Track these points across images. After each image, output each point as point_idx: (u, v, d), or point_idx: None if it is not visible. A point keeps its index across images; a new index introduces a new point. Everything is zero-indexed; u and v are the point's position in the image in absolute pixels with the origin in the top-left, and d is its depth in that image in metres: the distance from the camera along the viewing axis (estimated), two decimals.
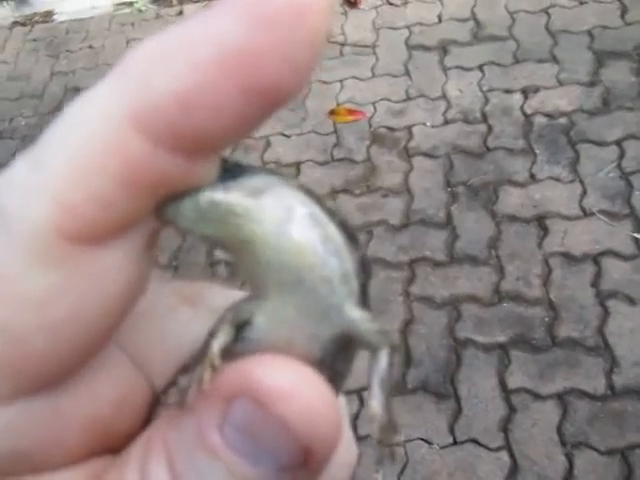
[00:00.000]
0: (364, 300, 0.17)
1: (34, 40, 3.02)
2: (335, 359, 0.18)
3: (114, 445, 0.19)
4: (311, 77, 0.15)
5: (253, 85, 0.14)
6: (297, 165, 2.14)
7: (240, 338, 0.18)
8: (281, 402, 0.15)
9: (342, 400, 0.22)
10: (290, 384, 0.16)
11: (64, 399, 0.17)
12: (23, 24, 3.12)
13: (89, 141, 0.15)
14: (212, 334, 0.18)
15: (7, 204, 0.15)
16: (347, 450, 0.21)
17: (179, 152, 0.15)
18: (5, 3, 3.10)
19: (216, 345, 0.17)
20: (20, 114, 2.67)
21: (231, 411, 0.16)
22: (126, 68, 0.15)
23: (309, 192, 0.17)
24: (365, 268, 0.17)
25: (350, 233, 0.17)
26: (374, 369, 0.17)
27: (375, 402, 0.17)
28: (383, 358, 0.17)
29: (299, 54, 0.14)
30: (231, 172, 0.17)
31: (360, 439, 1.51)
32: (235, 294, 0.21)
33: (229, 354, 0.17)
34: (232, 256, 0.17)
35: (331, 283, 0.16)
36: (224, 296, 0.21)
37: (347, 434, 0.22)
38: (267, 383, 0.16)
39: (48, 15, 3.11)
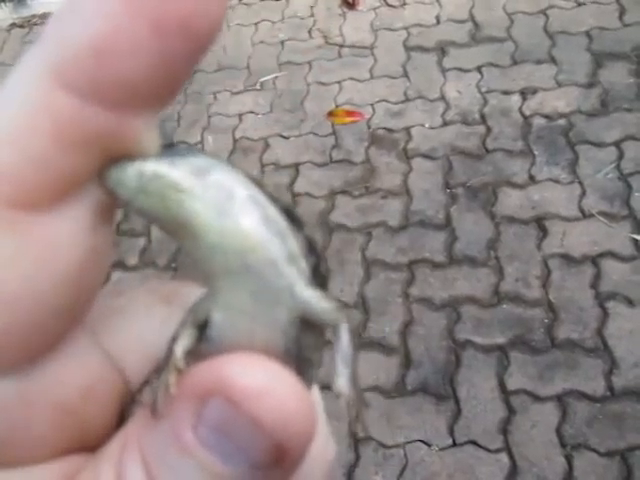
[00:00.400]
0: (320, 282, 0.17)
1: (32, 42, 3.01)
2: (301, 346, 0.17)
3: (88, 442, 0.19)
4: (225, 17, 0.15)
5: (163, 21, 0.14)
6: (296, 166, 2.14)
7: (204, 338, 0.17)
8: (253, 401, 0.15)
9: (316, 393, 0.22)
10: (262, 382, 0.16)
11: (30, 383, 0.17)
12: (21, 26, 3.11)
13: (17, 104, 0.15)
14: (174, 338, 0.17)
15: None
16: (323, 447, 0.21)
17: (106, 104, 0.15)
18: (3, 5, 3.10)
19: (179, 349, 0.17)
20: None
21: (205, 411, 0.16)
22: (44, 31, 0.15)
23: (251, 177, 0.17)
24: (315, 250, 0.17)
25: (294, 217, 0.17)
26: (336, 347, 0.17)
27: (341, 379, 0.17)
28: (343, 334, 0.17)
29: None
30: (175, 151, 0.17)
31: (359, 441, 1.51)
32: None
33: (196, 356, 0.17)
34: (175, 240, 0.17)
35: (277, 264, 0.16)
36: (200, 294, 0.21)
37: (323, 430, 0.21)
38: (239, 382, 0.16)
39: (46, 17, 3.10)
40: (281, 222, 0.16)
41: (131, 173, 0.16)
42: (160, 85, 0.15)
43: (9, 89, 0.15)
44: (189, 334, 0.17)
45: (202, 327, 0.17)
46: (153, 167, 0.16)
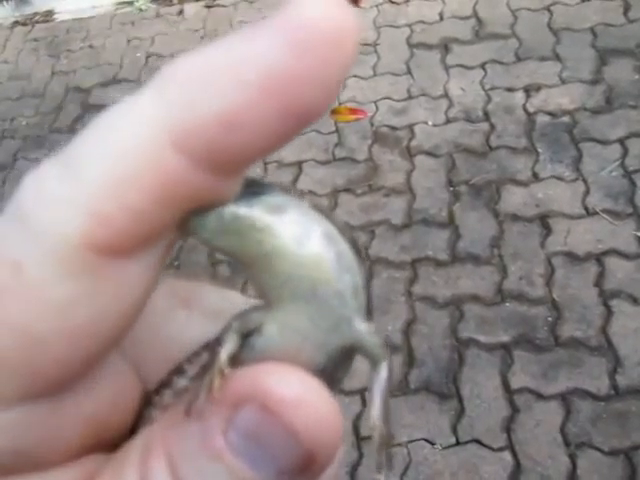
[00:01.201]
0: (368, 315, 0.18)
1: (35, 40, 3.01)
2: (335, 367, 0.19)
3: (104, 441, 0.19)
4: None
5: (291, 107, 0.15)
6: (299, 164, 2.13)
7: (246, 346, 0.18)
8: (290, 410, 0.16)
9: None
10: (298, 393, 0.16)
11: (66, 399, 0.17)
12: (24, 24, 3.11)
13: (128, 157, 0.15)
14: (219, 342, 0.18)
15: (39, 214, 0.15)
16: None
17: (216, 171, 0.15)
18: (5, 3, 3.10)
19: (224, 353, 0.18)
20: (21, 114, 2.67)
21: (237, 417, 0.17)
22: (168, 84, 0.15)
23: (322, 211, 0.18)
24: (368, 286, 0.18)
25: (358, 250, 0.18)
26: (375, 381, 0.18)
27: (376, 412, 0.18)
28: (383, 371, 0.18)
29: (334, 78, 0.15)
30: (250, 188, 0.17)
31: (362, 440, 1.50)
32: (230, 295, 0.22)
33: (235, 361, 0.18)
34: (245, 268, 0.18)
35: (344, 297, 0.17)
36: (219, 297, 0.22)
37: None
38: (276, 391, 0.16)
39: (49, 14, 3.10)
40: (351, 257, 0.18)
41: (213, 219, 0.17)
42: (267, 155, 0.16)
43: (118, 133, 0.15)
44: (234, 341, 0.18)
45: (245, 335, 0.18)
46: (233, 210, 0.17)
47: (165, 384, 0.21)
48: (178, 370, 0.21)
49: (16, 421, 0.17)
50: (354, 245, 0.18)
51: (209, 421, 0.17)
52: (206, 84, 0.15)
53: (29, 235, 0.15)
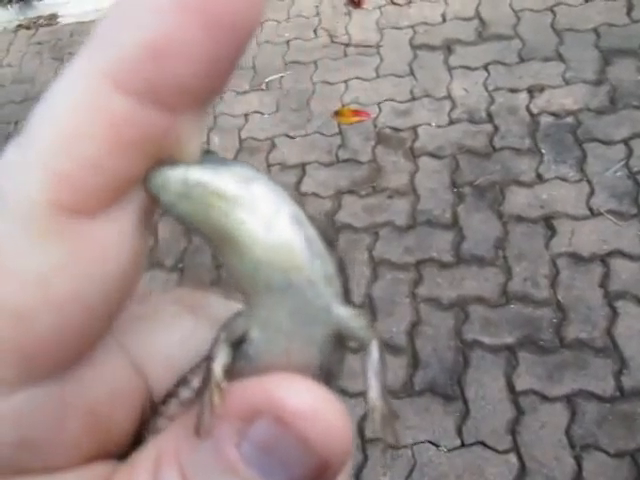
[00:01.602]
0: (347, 299, 0.18)
1: (38, 43, 3.02)
2: (330, 361, 0.18)
3: (109, 449, 0.19)
4: (264, 10, 0.15)
5: (213, 20, 0.14)
6: (302, 166, 2.13)
7: (240, 355, 0.18)
8: (304, 421, 0.16)
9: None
10: (310, 404, 0.16)
11: (65, 387, 0.17)
12: (27, 27, 3.12)
13: (73, 108, 0.15)
14: (211, 357, 0.18)
15: (1, 184, 0.15)
16: None
17: (161, 105, 0.15)
18: (9, 6, 3.11)
19: (217, 368, 0.17)
20: (25, 117, 2.67)
21: (250, 429, 0.17)
22: (95, 34, 0.15)
23: (290, 193, 0.17)
24: (343, 269, 0.18)
25: (327, 237, 0.17)
26: (368, 362, 0.18)
27: (374, 394, 0.18)
28: (374, 351, 0.18)
29: None
30: (218, 160, 0.17)
31: (367, 442, 1.50)
32: (234, 306, 0.22)
33: (231, 372, 0.17)
34: (216, 251, 0.17)
35: (317, 285, 0.17)
36: (225, 306, 0.22)
37: None
38: (289, 403, 0.16)
39: (52, 18, 3.11)
40: (320, 243, 0.17)
41: (175, 179, 0.16)
42: (209, 84, 0.15)
43: (60, 93, 0.15)
44: (225, 352, 0.18)
45: (236, 345, 0.18)
46: (197, 174, 0.16)
47: (171, 394, 0.20)
48: (183, 381, 0.20)
49: (19, 408, 0.16)
50: (322, 231, 0.17)
51: (222, 434, 0.17)
52: (127, 20, 0.15)
53: None
